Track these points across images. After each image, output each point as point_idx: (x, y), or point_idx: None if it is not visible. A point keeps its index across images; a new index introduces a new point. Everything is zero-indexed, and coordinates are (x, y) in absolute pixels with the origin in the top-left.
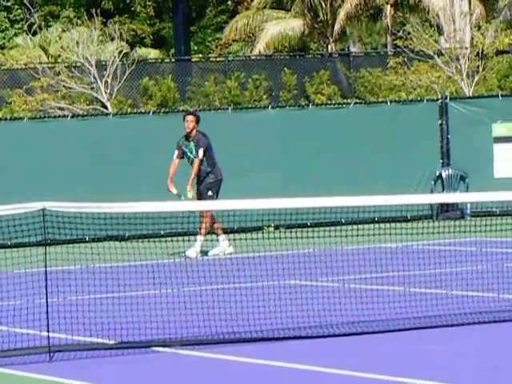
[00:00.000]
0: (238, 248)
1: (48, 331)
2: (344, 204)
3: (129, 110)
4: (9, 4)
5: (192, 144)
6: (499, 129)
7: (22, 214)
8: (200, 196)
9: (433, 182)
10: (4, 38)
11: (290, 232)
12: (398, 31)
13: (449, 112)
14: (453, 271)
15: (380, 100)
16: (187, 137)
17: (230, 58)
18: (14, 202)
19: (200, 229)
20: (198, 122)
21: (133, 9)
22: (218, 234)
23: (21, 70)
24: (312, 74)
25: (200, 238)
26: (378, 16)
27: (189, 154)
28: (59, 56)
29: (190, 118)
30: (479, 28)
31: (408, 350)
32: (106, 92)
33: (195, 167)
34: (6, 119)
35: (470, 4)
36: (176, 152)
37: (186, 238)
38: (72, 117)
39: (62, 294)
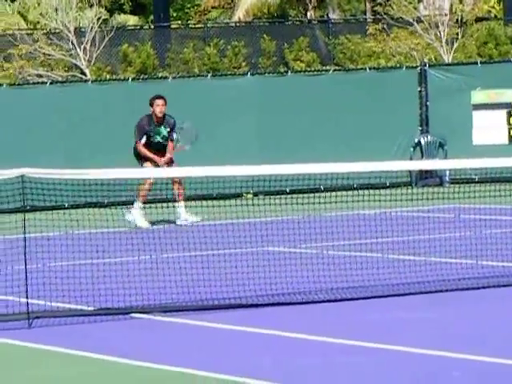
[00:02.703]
0: (217, 215)
1: (27, 298)
2: (323, 171)
3: (108, 76)
4: None
5: (162, 128)
6: (478, 96)
7: (1, 181)
8: None
9: (412, 149)
10: None
11: (269, 199)
12: None
13: (428, 79)
14: (431, 238)
15: (359, 67)
16: (158, 122)
17: (209, 25)
18: None
19: (179, 195)
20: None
21: None
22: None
23: None
24: (291, 41)
25: (180, 204)
26: None
27: (158, 138)
28: (38, 23)
29: (162, 101)
30: None
31: (387, 316)
32: (84, 59)
33: (172, 151)
34: None
35: None
36: (144, 138)
37: (164, 204)
38: (51, 83)
39: (40, 261)
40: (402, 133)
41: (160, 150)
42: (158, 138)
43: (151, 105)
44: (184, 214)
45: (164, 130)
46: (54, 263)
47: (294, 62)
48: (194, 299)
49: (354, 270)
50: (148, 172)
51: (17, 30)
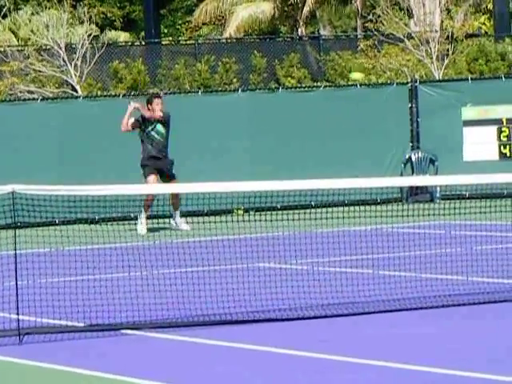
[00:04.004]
0: (207, 231)
1: (18, 314)
2: (314, 187)
3: (99, 92)
4: None
5: (160, 125)
6: (468, 112)
7: None
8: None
9: (402, 165)
10: None
11: (260, 215)
12: (368, 14)
13: (419, 95)
14: (422, 254)
15: (350, 83)
16: (157, 120)
17: (200, 42)
18: None
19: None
20: None
21: None
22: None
23: None
24: (282, 57)
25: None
26: None
27: (156, 136)
28: (29, 39)
29: (161, 100)
30: (449, 11)
31: (379, 332)
32: (75, 75)
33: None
34: None
35: None
36: (132, 120)
37: (155, 220)
38: (42, 100)
39: (31, 277)
40: (393, 149)
41: (161, 150)
42: (158, 137)
43: (150, 103)
44: (178, 219)
45: (162, 129)
46: (45, 279)
47: (285, 78)
48: (185, 315)
49: (344, 286)
50: (143, 188)
51: (8, 46)
